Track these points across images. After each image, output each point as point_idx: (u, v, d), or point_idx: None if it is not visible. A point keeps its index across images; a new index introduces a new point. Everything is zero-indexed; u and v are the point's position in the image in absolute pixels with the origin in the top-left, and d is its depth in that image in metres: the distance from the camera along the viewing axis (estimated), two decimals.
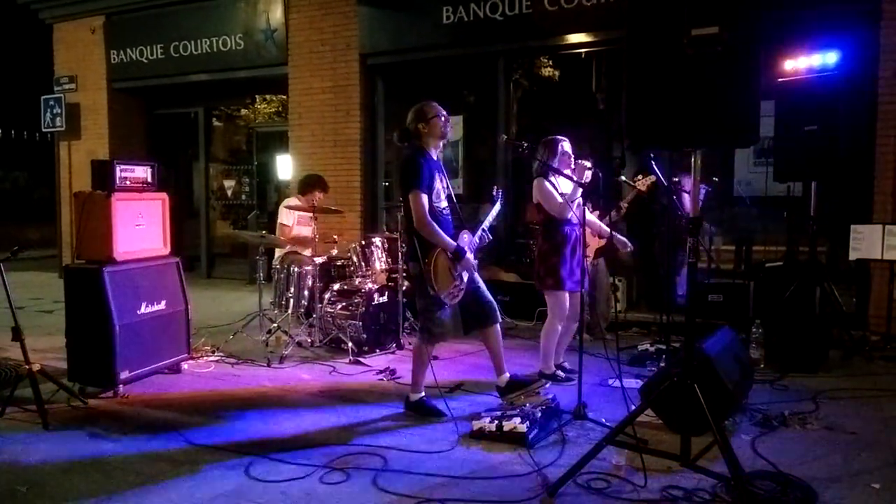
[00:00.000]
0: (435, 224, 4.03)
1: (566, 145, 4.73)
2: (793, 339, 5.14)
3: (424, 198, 4.01)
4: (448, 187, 4.26)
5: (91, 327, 4.58)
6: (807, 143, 5.21)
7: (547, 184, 4.65)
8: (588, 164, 4.66)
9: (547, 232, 4.78)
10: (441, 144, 4.26)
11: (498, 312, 4.34)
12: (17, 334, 4.25)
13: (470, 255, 4.16)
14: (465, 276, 4.18)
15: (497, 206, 4.63)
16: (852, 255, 5.66)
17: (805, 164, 5.29)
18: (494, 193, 4.70)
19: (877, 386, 4.74)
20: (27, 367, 4.24)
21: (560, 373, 4.92)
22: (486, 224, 4.41)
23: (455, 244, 4.08)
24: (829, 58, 5.25)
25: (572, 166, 4.71)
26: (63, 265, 6.63)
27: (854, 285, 6.38)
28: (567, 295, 4.72)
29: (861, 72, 5.87)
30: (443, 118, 4.18)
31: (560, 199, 4.61)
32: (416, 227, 4.03)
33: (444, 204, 4.20)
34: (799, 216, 5.93)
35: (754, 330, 5.20)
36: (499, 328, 4.37)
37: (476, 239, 4.28)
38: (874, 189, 6.11)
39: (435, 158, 4.21)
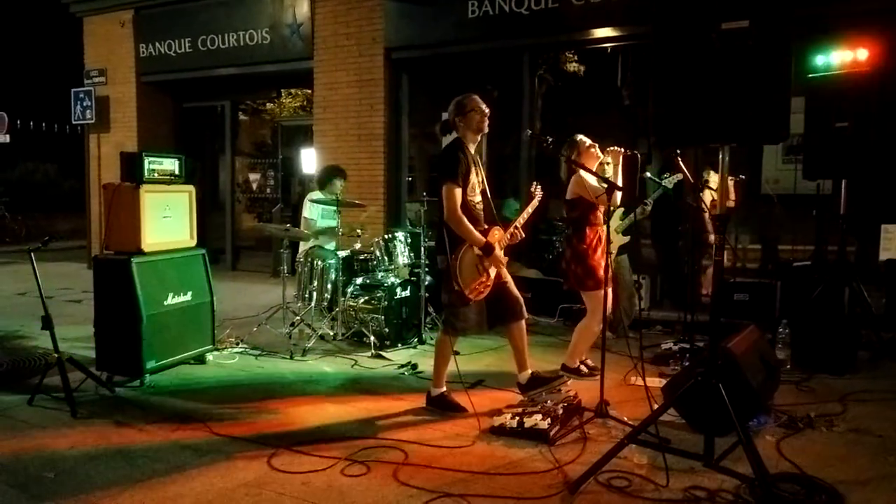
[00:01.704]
0: (465, 218, 4.01)
1: (586, 140, 4.77)
2: (820, 340, 5.06)
3: (458, 191, 3.99)
4: (483, 182, 4.24)
5: (119, 317, 4.65)
6: (837, 140, 5.12)
7: (585, 175, 4.66)
8: (620, 148, 4.65)
9: (580, 232, 4.75)
10: (478, 138, 4.25)
11: (524, 308, 4.30)
12: (46, 323, 4.33)
13: (499, 252, 4.13)
14: (493, 273, 4.16)
15: (535, 202, 4.55)
16: (883, 255, 5.56)
17: (835, 162, 5.20)
18: (533, 189, 4.61)
19: None
20: (56, 355, 4.31)
21: (583, 368, 4.91)
22: (519, 221, 4.34)
23: (484, 240, 4.05)
24: (861, 54, 5.14)
25: (600, 157, 4.73)
26: (92, 256, 6.72)
27: (884, 286, 6.26)
28: (604, 294, 4.72)
29: (893, 68, 5.75)
30: (480, 112, 4.16)
31: (601, 188, 4.61)
32: (446, 220, 4.02)
33: (478, 199, 4.18)
34: (828, 215, 5.83)
35: (781, 330, 5.13)
36: (524, 324, 4.35)
37: (507, 236, 4.25)
38: None
39: (472, 151, 4.19)
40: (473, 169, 4.12)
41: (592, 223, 4.75)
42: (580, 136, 4.82)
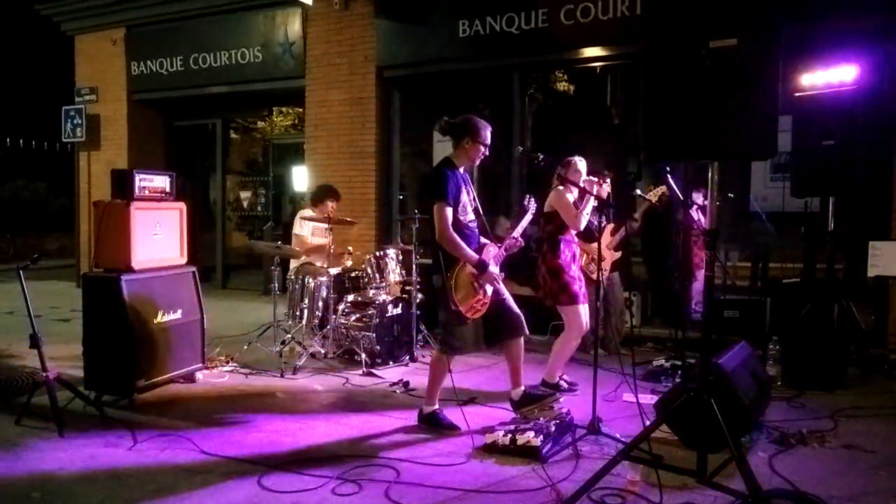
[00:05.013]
0: (457, 236, 4.00)
1: (581, 164, 4.94)
2: (810, 357, 5.09)
3: (449, 210, 3.99)
4: (475, 200, 4.23)
5: (108, 336, 4.61)
6: (824, 158, 5.17)
7: (566, 193, 4.77)
8: (595, 179, 4.86)
9: (554, 248, 4.83)
10: (469, 165, 4.26)
11: (525, 325, 4.27)
12: (35, 342, 4.29)
13: (494, 268, 4.12)
14: (489, 291, 4.15)
15: (528, 215, 4.60)
16: (871, 272, 5.59)
17: (823, 180, 5.25)
18: (526, 203, 4.65)
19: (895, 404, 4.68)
20: (44, 374, 4.26)
21: (563, 383, 4.95)
22: (517, 231, 4.37)
23: (477, 257, 4.05)
24: (847, 72, 5.21)
25: (581, 183, 4.82)
26: (81, 274, 6.68)
27: (873, 302, 6.31)
28: (583, 308, 4.75)
29: (879, 86, 5.83)
30: (485, 148, 4.17)
31: (576, 210, 4.73)
32: (438, 240, 4.01)
33: (471, 217, 4.18)
34: (816, 232, 5.88)
35: (771, 346, 5.15)
36: (522, 342, 4.34)
37: (503, 251, 4.24)
38: (892, 205, 6.05)
39: (462, 171, 4.20)
40: (464, 188, 4.13)
41: (567, 238, 4.81)
42: (575, 158, 4.95)
